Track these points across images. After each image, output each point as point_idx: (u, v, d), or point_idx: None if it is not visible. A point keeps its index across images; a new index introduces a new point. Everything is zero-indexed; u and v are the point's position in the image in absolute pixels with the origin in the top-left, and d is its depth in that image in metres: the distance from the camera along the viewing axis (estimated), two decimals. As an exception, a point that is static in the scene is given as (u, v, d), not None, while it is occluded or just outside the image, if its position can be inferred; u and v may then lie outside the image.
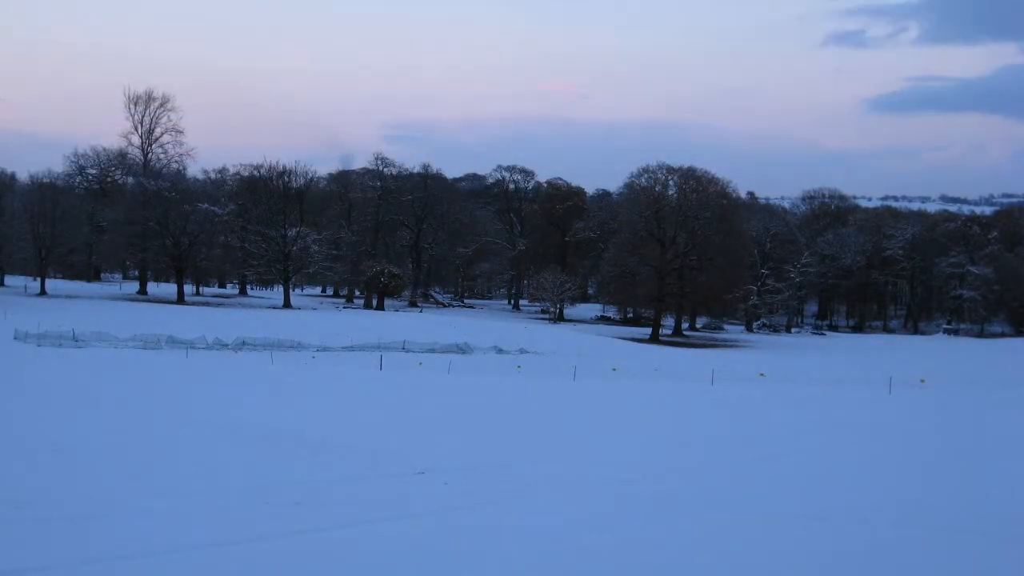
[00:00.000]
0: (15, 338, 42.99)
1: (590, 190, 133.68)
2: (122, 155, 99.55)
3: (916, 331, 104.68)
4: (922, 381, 37.67)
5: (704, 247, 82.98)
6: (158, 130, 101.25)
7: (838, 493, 11.78)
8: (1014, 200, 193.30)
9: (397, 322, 65.54)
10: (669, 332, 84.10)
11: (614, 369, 42.40)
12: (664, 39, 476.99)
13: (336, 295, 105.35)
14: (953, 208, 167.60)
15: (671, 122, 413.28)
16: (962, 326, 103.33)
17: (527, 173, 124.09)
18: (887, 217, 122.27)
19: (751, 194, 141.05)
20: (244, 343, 46.78)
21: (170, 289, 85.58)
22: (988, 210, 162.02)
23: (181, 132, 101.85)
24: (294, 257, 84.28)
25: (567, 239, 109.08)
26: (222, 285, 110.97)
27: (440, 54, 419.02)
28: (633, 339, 73.28)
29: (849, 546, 8.84)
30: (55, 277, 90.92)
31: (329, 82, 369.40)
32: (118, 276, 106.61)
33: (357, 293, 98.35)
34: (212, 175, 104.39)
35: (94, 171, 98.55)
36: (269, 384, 28.20)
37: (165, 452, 13.48)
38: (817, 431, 19.68)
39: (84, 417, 17.44)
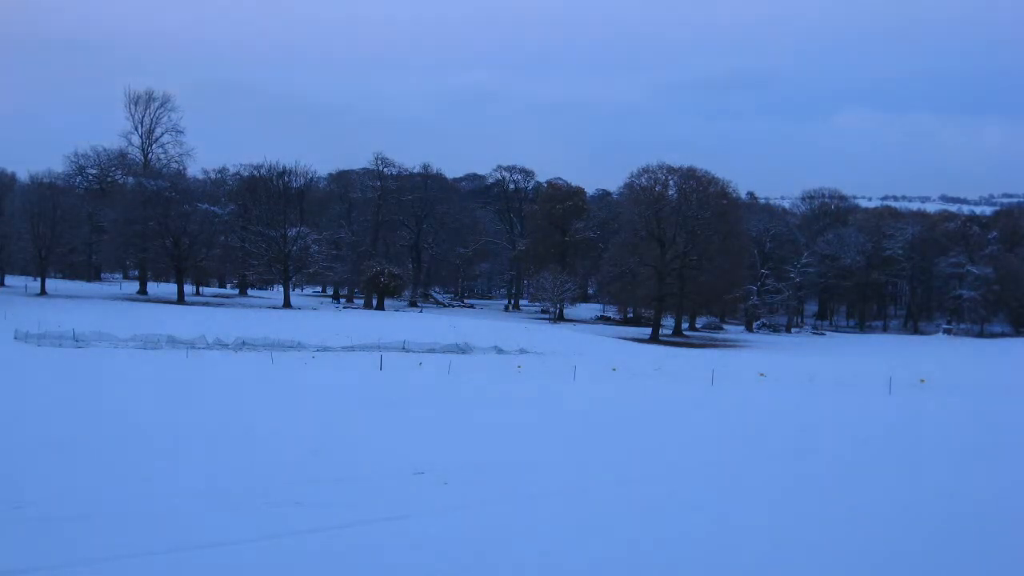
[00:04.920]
0: (15, 338, 43.04)
1: (590, 190, 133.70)
2: (122, 155, 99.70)
3: (916, 331, 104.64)
4: (922, 381, 37.62)
5: (704, 247, 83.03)
6: (158, 130, 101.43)
7: (838, 494, 11.79)
8: (1014, 200, 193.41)
9: (397, 322, 65.55)
10: (669, 332, 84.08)
11: (614, 369, 42.36)
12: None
13: (336, 295, 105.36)
14: (953, 208, 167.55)
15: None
16: (962, 326, 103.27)
17: (527, 173, 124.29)
18: (887, 217, 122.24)
19: (751, 194, 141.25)
20: (244, 343, 46.76)
21: (170, 289, 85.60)
22: (988, 210, 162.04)
23: (181, 132, 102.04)
24: (294, 257, 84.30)
25: (567, 239, 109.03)
26: (222, 285, 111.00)
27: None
28: (633, 339, 73.30)
29: (849, 546, 8.85)
30: (55, 277, 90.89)
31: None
32: (118, 276, 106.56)
33: (357, 293, 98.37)
34: (212, 175, 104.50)
35: (94, 171, 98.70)
36: (269, 384, 28.19)
37: (164, 452, 13.47)
38: (817, 431, 19.71)
39: (84, 417, 17.44)
